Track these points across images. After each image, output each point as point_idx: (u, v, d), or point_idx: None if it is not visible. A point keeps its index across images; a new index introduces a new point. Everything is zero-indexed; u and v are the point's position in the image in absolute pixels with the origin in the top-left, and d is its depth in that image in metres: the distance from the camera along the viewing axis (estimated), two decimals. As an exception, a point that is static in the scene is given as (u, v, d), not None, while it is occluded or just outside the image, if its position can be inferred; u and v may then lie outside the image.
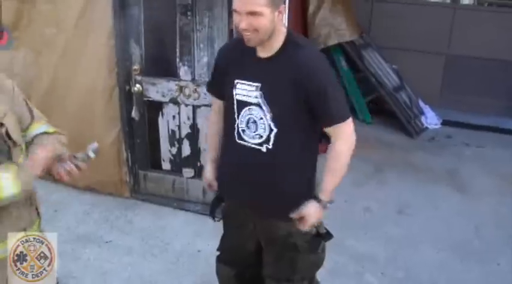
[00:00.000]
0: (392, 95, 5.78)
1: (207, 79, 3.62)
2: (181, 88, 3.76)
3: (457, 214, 4.15)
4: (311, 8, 5.30)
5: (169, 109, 3.88)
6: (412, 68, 6.00)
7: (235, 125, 2.18)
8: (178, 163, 4.03)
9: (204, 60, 3.66)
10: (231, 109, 2.20)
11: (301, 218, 2.15)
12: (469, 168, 4.95)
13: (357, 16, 5.95)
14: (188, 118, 3.85)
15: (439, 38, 6.11)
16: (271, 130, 2.09)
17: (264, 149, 2.13)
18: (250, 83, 2.10)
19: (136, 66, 3.82)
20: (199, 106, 3.78)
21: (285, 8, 2.00)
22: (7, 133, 1.91)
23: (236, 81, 2.14)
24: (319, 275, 2.52)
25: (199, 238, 3.73)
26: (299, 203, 2.16)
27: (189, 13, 3.57)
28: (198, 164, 3.97)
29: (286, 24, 3.31)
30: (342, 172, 2.16)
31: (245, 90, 2.12)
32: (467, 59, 6.06)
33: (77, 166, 2.04)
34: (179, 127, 3.92)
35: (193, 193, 4.06)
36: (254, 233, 2.38)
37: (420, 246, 3.72)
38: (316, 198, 2.16)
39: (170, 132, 3.96)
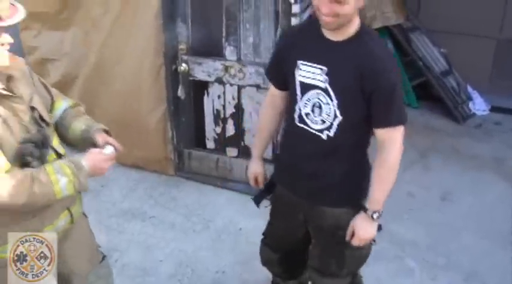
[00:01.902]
0: (439, 79, 5.65)
1: (252, 59, 3.67)
2: (226, 68, 3.78)
3: (502, 203, 4.06)
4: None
5: (215, 89, 3.92)
6: (462, 52, 5.82)
7: (297, 107, 2.16)
8: (223, 143, 4.07)
9: (249, 40, 3.66)
10: (293, 92, 2.17)
11: (353, 234, 2.16)
12: (517, 156, 4.82)
13: (406, -2, 5.83)
14: (233, 98, 3.88)
15: (491, 21, 5.90)
16: (335, 116, 2.05)
17: (324, 136, 2.10)
18: (316, 65, 2.05)
19: (182, 46, 3.86)
20: (244, 87, 3.80)
21: None
22: (40, 116, 1.95)
23: (299, 62, 2.10)
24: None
25: (241, 217, 3.79)
26: (350, 191, 2.18)
27: (236, -7, 3.58)
28: (242, 144, 4.01)
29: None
30: (391, 181, 2.12)
31: (309, 72, 2.07)
32: (520, 43, 5.86)
33: None
34: (224, 106, 3.95)
35: (236, 172, 4.10)
36: (303, 221, 2.37)
37: (462, 233, 3.68)
38: (363, 208, 2.15)
39: (215, 111, 4.00)
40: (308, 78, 2.08)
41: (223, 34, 3.73)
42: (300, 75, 2.10)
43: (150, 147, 4.21)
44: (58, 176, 1.83)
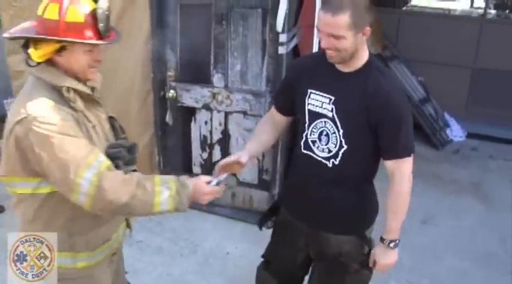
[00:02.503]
0: (418, 107, 5.82)
1: (239, 86, 3.76)
2: (214, 95, 3.87)
3: (481, 226, 4.19)
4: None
5: (202, 115, 4.00)
6: (439, 81, 6.03)
7: (304, 135, 2.19)
8: (209, 168, 4.12)
9: (237, 67, 3.77)
10: (301, 119, 2.20)
11: (375, 263, 2.22)
12: (494, 181, 4.98)
13: (384, 28, 6.02)
14: (220, 124, 3.96)
15: (466, 51, 6.13)
16: (341, 146, 2.08)
17: (330, 164, 2.13)
18: (324, 95, 2.09)
19: (171, 72, 3.94)
20: (231, 113, 3.89)
21: (369, 30, 1.96)
22: (120, 126, 2.05)
23: (310, 90, 2.13)
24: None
25: (228, 241, 3.83)
26: (354, 220, 2.21)
27: (224, 22, 3.69)
28: (228, 169, 4.06)
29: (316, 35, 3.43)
30: (405, 210, 2.17)
31: (318, 101, 2.11)
32: (494, 72, 6.06)
33: None
34: (211, 132, 4.03)
35: (222, 197, 4.04)
36: (304, 246, 2.38)
37: (444, 256, 3.78)
38: (381, 239, 2.19)
39: (202, 137, 4.08)
40: (317, 106, 2.12)
41: (212, 61, 3.83)
42: (310, 103, 2.14)
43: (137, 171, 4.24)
44: (162, 188, 1.80)
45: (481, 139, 5.89)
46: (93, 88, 1.95)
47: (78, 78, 1.84)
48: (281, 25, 3.40)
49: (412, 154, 2.10)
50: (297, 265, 2.47)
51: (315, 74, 2.15)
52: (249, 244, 3.69)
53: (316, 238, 2.29)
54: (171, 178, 1.86)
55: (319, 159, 2.15)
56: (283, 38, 3.46)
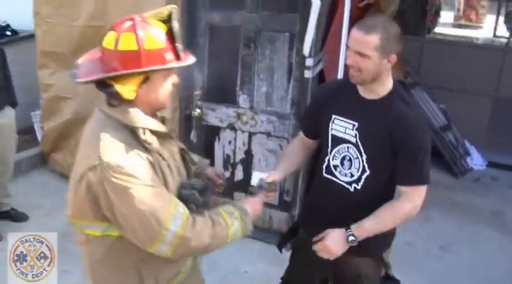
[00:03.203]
0: (438, 134, 5.84)
1: (264, 108, 3.83)
2: (239, 115, 3.95)
3: (500, 256, 4.17)
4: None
5: (226, 135, 4.07)
6: (460, 109, 6.04)
7: (326, 159, 2.23)
8: (230, 187, 4.16)
9: (263, 89, 3.85)
10: (324, 144, 2.25)
11: (322, 239, 2.16)
12: (514, 211, 4.96)
13: (406, 55, 6.07)
14: (243, 144, 4.03)
15: (488, 79, 6.15)
16: (364, 171, 2.12)
17: (351, 188, 2.17)
18: (348, 121, 2.14)
19: (198, 92, 4.03)
20: (255, 134, 3.96)
21: (395, 58, 2.03)
22: (190, 157, 2.01)
23: (334, 116, 2.18)
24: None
25: (247, 260, 3.86)
26: (373, 243, 2.19)
27: (252, 45, 3.77)
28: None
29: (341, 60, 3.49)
30: (387, 226, 2.14)
31: (342, 126, 2.16)
32: (516, 102, 6.09)
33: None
34: (234, 152, 4.10)
35: None
36: (323, 269, 2.39)
37: (462, 283, 3.77)
38: (347, 227, 2.13)
39: (225, 156, 4.14)
40: (340, 132, 2.17)
41: (238, 82, 3.91)
42: (333, 128, 2.19)
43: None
44: (232, 220, 1.82)
45: (501, 169, 5.87)
46: (163, 120, 1.87)
47: (153, 112, 1.78)
48: (308, 49, 3.47)
49: (426, 185, 2.11)
50: None
51: (339, 100, 2.21)
52: (267, 264, 3.72)
53: (334, 261, 2.27)
54: (232, 208, 1.88)
55: (341, 183, 2.20)
56: (309, 62, 3.53)
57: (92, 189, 1.63)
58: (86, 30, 4.36)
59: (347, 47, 2.05)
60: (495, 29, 8.96)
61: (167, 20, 1.69)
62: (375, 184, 2.14)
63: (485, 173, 5.82)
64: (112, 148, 1.62)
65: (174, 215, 1.66)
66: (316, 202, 2.38)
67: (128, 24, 1.64)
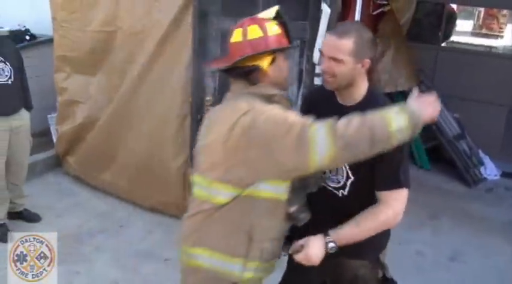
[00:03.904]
0: (452, 143, 5.81)
1: (274, 114, 3.84)
2: (249, 121, 3.96)
3: (511, 268, 4.13)
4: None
5: (236, 140, 4.08)
6: (474, 118, 6.01)
7: None
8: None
9: (273, 95, 3.85)
10: None
11: (302, 247, 2.10)
12: (527, 222, 4.91)
13: (422, 63, 6.06)
14: (253, 149, 4.04)
15: (503, 89, 6.11)
16: (348, 177, 2.13)
17: (339, 194, 2.19)
18: None
19: (209, 97, 4.06)
20: (264, 139, 3.96)
21: (369, 63, 2.03)
22: None
23: None
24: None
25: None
26: (369, 245, 2.16)
27: (262, 52, 3.79)
28: (258, 194, 4.13)
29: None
30: (367, 233, 2.07)
31: None
32: (531, 112, 6.04)
33: None
34: (243, 157, 4.10)
35: None
36: (319, 274, 2.38)
37: (471, 294, 3.75)
38: (326, 234, 2.09)
39: (235, 161, 4.15)
40: None
41: (248, 89, 3.92)
42: None
43: (170, 191, 4.36)
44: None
45: (515, 179, 5.83)
46: None
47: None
48: (318, 56, 3.49)
49: (405, 189, 2.05)
50: None
51: (319, 107, 2.21)
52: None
53: (331, 265, 2.26)
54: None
55: (331, 189, 2.21)
56: (319, 69, 3.53)
57: (246, 131, 1.84)
58: (99, 35, 4.46)
59: (321, 53, 2.06)
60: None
61: (274, 17, 2.01)
62: (360, 190, 2.13)
63: (498, 183, 5.77)
64: (256, 103, 1.89)
65: (318, 124, 1.84)
66: (312, 207, 2.38)
67: (249, 21, 1.99)
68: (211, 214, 1.97)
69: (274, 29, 1.97)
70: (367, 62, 2.04)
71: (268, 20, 2.00)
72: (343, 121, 1.83)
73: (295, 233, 2.53)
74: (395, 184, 2.05)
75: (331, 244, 2.05)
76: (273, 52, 1.95)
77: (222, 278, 2.00)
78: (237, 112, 1.87)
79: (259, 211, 1.94)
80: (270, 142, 1.82)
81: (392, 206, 2.05)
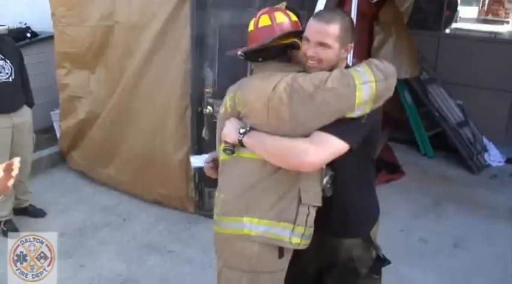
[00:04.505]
0: (455, 130, 5.79)
1: (273, 105, 3.85)
2: (249, 112, 3.96)
3: (514, 253, 4.13)
4: (376, 42, 5.38)
5: (237, 131, 4.09)
6: (478, 105, 5.99)
7: None
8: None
9: (272, 86, 3.85)
10: None
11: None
12: (531, 208, 4.89)
13: (424, 51, 6.03)
14: (254, 141, 4.04)
15: (506, 75, 6.07)
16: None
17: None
18: None
19: (209, 89, 4.07)
20: (265, 130, 3.97)
21: (351, 47, 2.10)
22: None
23: None
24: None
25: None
26: (360, 221, 2.25)
27: (261, 42, 3.79)
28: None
29: (351, 57, 3.49)
30: (276, 151, 1.98)
31: None
32: (536, 97, 6.01)
33: None
34: (245, 148, 4.11)
35: None
36: (316, 258, 2.39)
37: (474, 281, 3.74)
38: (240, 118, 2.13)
39: (236, 152, 4.17)
40: None
41: (248, 79, 3.93)
42: None
43: (172, 184, 4.38)
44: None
45: (520, 165, 5.80)
46: None
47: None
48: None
49: (341, 141, 1.94)
50: (310, 279, 2.50)
51: None
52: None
53: (325, 245, 2.31)
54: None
55: None
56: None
57: (287, 87, 1.95)
58: (97, 30, 4.47)
59: (305, 39, 2.05)
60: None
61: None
62: (345, 165, 2.10)
63: (503, 169, 5.75)
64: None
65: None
66: None
67: (270, 10, 2.19)
68: (259, 181, 2.06)
69: (294, 16, 2.18)
70: (351, 46, 2.10)
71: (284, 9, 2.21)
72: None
73: None
74: (331, 129, 1.95)
75: (242, 130, 2.06)
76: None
77: (270, 244, 2.08)
78: (276, 78, 2.01)
79: (307, 176, 2.03)
80: (315, 88, 1.93)
81: (317, 146, 1.93)
